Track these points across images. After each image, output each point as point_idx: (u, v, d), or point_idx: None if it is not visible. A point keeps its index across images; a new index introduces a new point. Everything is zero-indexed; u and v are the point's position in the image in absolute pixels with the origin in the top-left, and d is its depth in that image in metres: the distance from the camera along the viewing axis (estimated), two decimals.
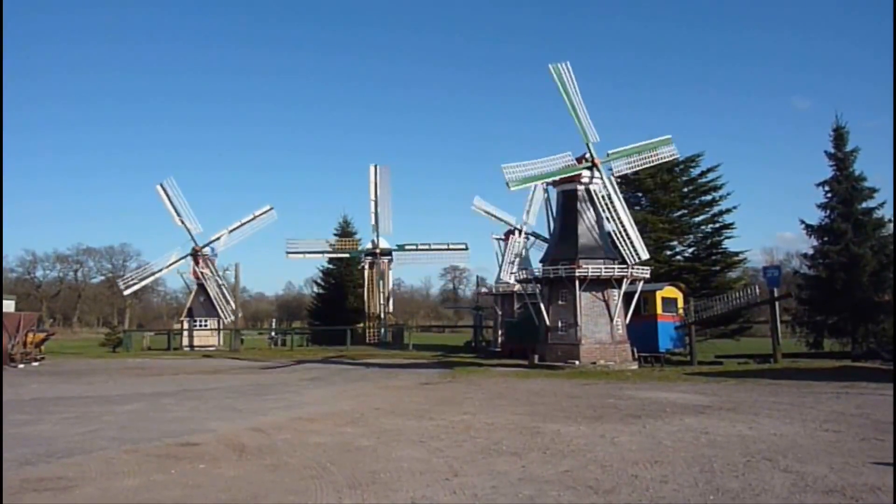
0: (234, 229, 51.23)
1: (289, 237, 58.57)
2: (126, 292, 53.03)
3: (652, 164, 31.15)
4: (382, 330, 51.93)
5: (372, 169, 51.70)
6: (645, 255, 28.47)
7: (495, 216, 47.37)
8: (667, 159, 31.17)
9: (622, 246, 28.21)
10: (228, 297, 51.07)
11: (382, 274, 53.15)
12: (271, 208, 51.41)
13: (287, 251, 52.11)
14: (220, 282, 50.89)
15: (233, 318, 50.83)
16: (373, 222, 52.33)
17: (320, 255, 54.69)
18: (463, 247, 51.39)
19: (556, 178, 29.02)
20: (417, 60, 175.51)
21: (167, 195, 49.91)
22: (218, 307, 50.14)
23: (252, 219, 51.27)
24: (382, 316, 53.13)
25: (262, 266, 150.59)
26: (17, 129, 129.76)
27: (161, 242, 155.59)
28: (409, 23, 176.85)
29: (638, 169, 31.28)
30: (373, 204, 51.79)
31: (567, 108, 28.26)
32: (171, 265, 50.77)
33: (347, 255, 54.39)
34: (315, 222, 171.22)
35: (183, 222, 50.23)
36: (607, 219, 29.09)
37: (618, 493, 7.88)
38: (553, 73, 28.06)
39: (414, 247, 52.41)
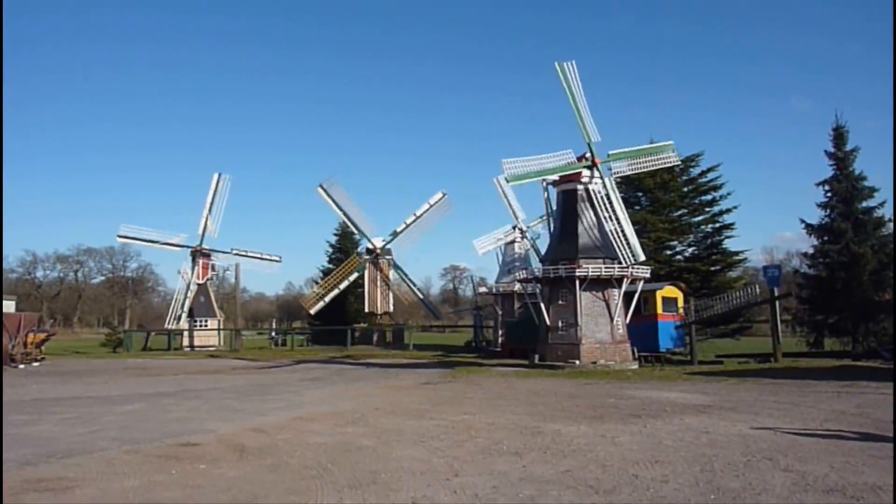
0: (241, 255, 52.97)
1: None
2: (119, 239, 53.24)
3: (652, 168, 31.22)
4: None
5: (320, 191, 51.60)
6: (642, 257, 28.51)
7: (508, 202, 47.12)
8: (667, 164, 31.22)
9: (619, 247, 28.27)
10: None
11: (397, 267, 53.85)
12: (280, 259, 54.29)
13: (306, 307, 55.30)
14: (188, 288, 51.53)
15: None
16: (356, 231, 53.27)
17: (337, 291, 54.33)
18: (441, 196, 51.68)
19: (555, 175, 29.14)
20: (416, 60, 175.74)
21: (216, 189, 51.27)
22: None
23: (260, 257, 53.82)
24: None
25: (261, 267, 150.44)
26: (17, 130, 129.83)
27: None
28: (408, 22, 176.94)
29: (638, 172, 31.34)
30: (342, 216, 52.78)
31: (570, 106, 28.53)
32: (171, 243, 51.59)
33: (357, 275, 53.99)
34: (316, 220, 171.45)
35: (208, 217, 51.00)
36: (606, 219, 29.12)
37: (618, 492, 7.88)
38: (559, 72, 28.35)
39: (404, 225, 52.45)
